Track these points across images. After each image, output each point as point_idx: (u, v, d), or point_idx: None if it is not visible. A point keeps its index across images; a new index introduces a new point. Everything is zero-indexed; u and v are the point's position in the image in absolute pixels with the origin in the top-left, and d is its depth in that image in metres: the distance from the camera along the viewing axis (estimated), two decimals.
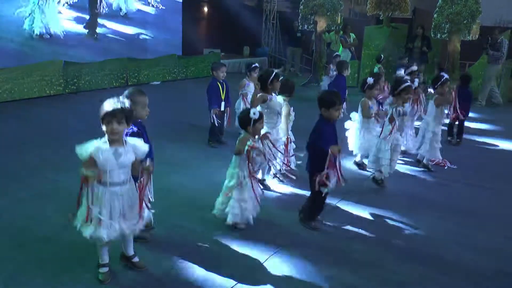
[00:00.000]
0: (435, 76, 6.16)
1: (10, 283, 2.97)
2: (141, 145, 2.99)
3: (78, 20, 10.27)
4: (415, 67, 7.63)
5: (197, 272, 3.22)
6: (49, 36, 9.58)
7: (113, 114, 2.82)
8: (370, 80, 5.53)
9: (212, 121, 6.19)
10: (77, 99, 9.14)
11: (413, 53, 11.59)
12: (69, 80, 9.58)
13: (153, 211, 3.30)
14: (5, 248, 3.40)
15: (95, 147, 2.84)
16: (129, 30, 11.57)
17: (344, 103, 7.33)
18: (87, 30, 10.49)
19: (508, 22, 13.98)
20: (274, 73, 4.78)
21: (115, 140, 2.88)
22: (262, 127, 3.95)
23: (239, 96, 6.65)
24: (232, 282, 3.12)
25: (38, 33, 9.33)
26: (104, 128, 2.84)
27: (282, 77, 4.92)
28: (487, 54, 10.76)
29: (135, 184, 3.04)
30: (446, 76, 5.87)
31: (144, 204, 3.08)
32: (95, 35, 10.69)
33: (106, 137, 2.87)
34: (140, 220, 3.04)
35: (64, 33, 9.92)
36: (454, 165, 6.01)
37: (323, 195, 3.86)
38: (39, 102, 8.62)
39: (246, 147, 3.68)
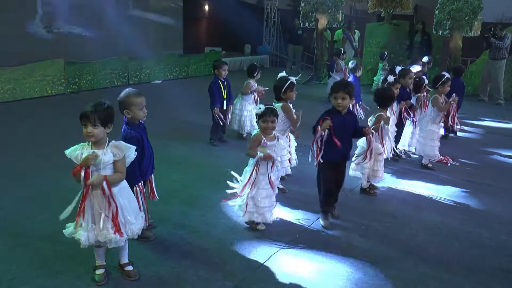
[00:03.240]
0: (436, 75, 6.07)
1: (11, 283, 2.97)
2: (123, 147, 2.85)
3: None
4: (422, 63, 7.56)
5: (199, 271, 3.20)
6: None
7: (87, 117, 2.70)
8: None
9: (215, 120, 6.18)
10: (79, 99, 9.14)
11: (413, 49, 11.54)
12: (71, 80, 9.59)
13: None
14: (6, 248, 3.39)
15: (76, 152, 2.77)
16: (130, 29, 11.57)
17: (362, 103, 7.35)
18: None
19: (510, 18, 13.90)
20: (289, 82, 4.50)
21: (95, 143, 2.78)
22: (274, 127, 3.75)
23: (237, 97, 6.60)
24: (234, 281, 3.11)
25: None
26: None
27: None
28: (487, 42, 10.45)
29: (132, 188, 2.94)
30: (447, 75, 5.80)
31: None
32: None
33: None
34: (117, 229, 2.81)
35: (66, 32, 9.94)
36: (456, 162, 6.00)
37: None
38: (41, 102, 8.63)
39: (257, 156, 3.61)
